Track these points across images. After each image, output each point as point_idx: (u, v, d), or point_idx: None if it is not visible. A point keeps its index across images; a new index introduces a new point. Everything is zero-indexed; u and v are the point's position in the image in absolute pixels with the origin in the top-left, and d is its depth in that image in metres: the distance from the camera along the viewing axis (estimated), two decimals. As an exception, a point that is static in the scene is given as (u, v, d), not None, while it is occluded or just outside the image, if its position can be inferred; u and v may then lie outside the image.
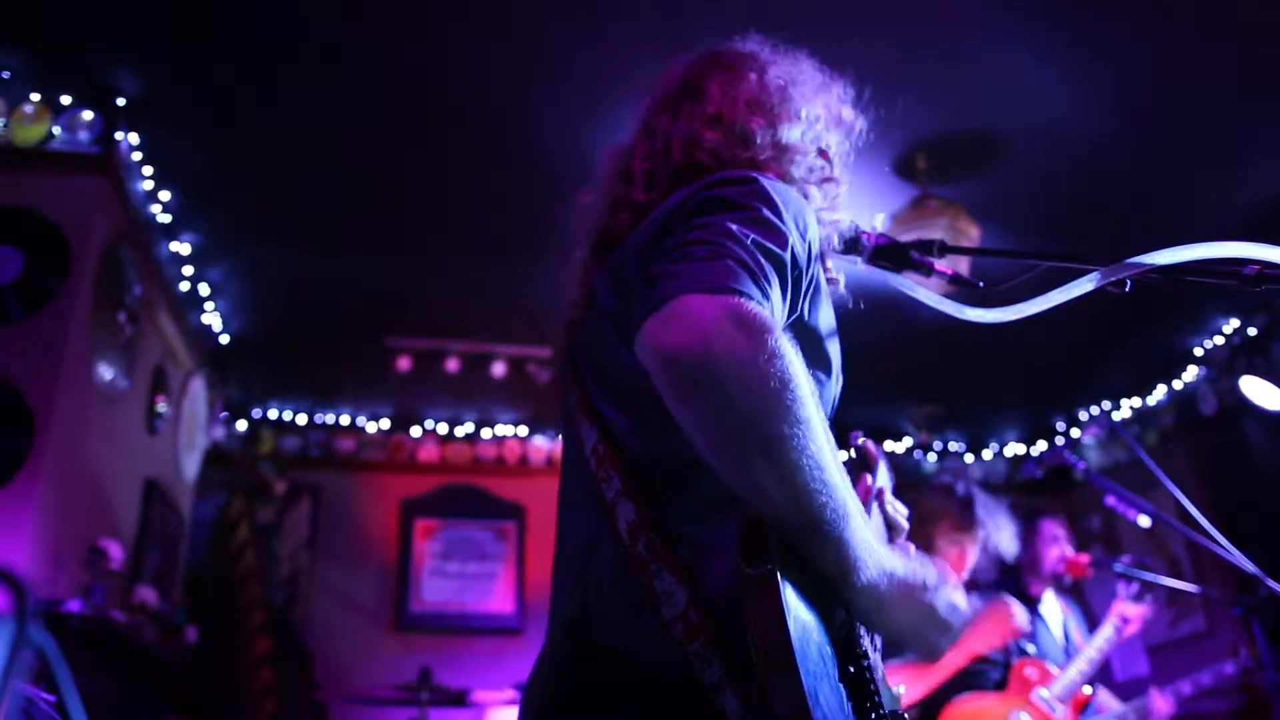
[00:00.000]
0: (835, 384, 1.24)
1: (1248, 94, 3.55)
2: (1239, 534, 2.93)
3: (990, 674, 3.14)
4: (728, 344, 0.92)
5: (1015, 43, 3.29)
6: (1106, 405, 6.13)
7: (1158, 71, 3.43)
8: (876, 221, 1.42)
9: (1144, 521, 3.27)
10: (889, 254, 1.38)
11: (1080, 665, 3.15)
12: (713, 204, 1.11)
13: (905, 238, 1.44)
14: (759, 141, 1.28)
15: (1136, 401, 5.94)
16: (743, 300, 0.96)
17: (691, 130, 1.30)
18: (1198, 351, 5.40)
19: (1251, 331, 5.04)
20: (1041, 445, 6.66)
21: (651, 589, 1.01)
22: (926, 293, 1.40)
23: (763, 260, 1.03)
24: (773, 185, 1.14)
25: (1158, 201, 4.12)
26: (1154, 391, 5.82)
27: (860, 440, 1.45)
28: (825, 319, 1.21)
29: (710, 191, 1.13)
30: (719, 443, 0.96)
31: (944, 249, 1.37)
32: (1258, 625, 2.97)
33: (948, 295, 1.43)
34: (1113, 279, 1.24)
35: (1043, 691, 3.08)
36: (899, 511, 1.40)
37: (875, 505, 1.37)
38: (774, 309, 1.02)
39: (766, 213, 1.08)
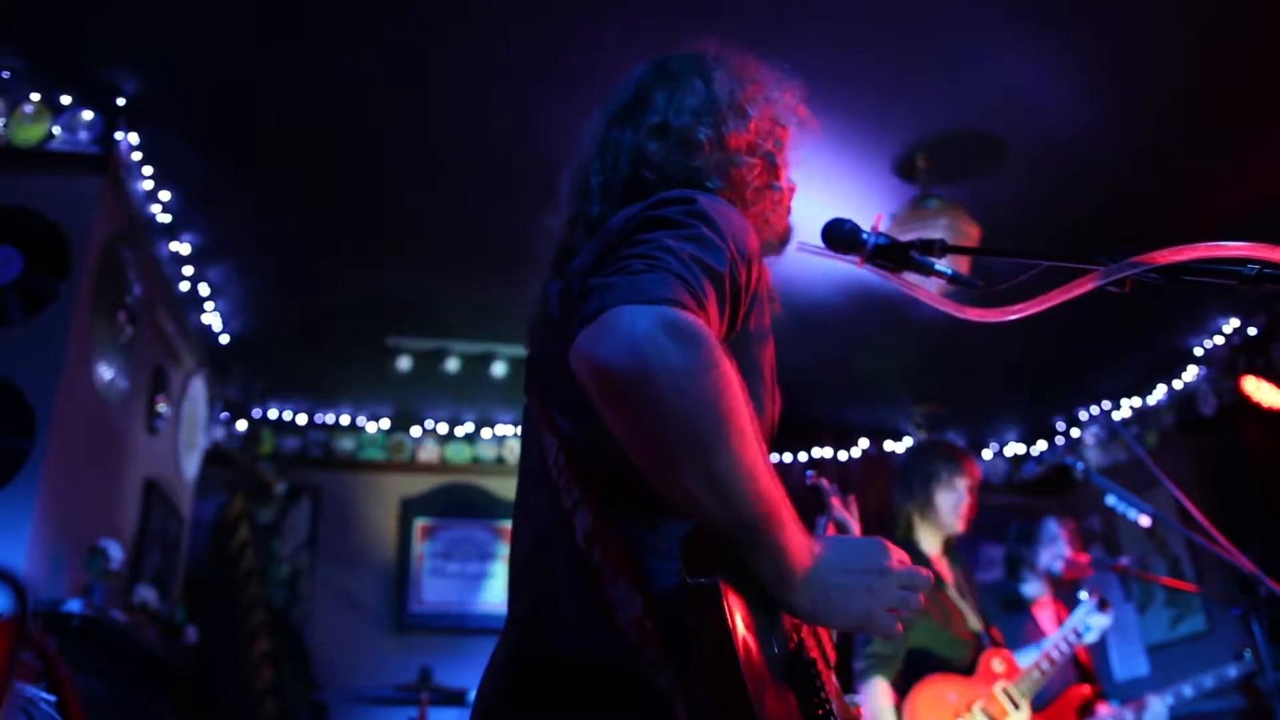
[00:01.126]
0: (773, 398, 1.25)
1: (1247, 94, 3.55)
2: (1239, 534, 2.93)
3: (965, 654, 3.11)
4: (659, 353, 0.92)
5: (1015, 43, 3.29)
6: (1106, 405, 6.12)
7: (1158, 71, 3.43)
8: (876, 222, 1.42)
9: (1144, 521, 3.26)
10: (889, 254, 1.38)
11: (1041, 664, 3.12)
12: (653, 223, 1.12)
13: (905, 238, 1.43)
14: (704, 150, 1.29)
15: (1136, 401, 5.94)
16: (675, 309, 0.96)
17: (638, 142, 1.32)
18: (1198, 351, 5.39)
19: (1251, 331, 5.04)
20: (1041, 445, 6.66)
21: (606, 595, 1.02)
22: (927, 293, 1.40)
23: (699, 272, 1.04)
24: (712, 203, 1.15)
25: (1157, 201, 4.11)
26: (1154, 391, 5.81)
27: (813, 480, 1.45)
28: (763, 334, 1.23)
29: (651, 212, 1.14)
30: (651, 450, 0.96)
31: (944, 249, 1.37)
32: (1258, 625, 2.96)
33: (948, 295, 1.43)
34: (1113, 279, 1.24)
35: (1006, 685, 3.06)
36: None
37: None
38: (709, 320, 1.02)
39: (705, 230, 1.09)
